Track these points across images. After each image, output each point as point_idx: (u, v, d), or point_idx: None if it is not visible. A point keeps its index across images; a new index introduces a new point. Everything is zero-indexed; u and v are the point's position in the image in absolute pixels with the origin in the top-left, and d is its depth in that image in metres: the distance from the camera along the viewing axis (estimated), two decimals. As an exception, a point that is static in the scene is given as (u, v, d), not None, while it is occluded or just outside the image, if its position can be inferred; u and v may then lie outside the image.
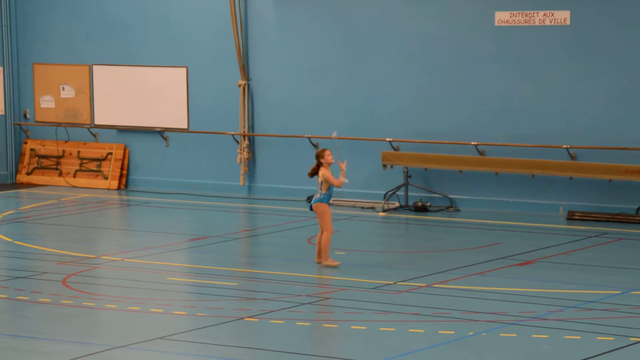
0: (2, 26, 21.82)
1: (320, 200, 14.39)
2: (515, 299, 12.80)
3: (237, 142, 20.42)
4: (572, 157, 18.09)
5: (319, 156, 14.49)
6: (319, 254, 14.51)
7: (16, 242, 16.32)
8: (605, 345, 10.93)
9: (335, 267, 14.36)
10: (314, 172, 14.46)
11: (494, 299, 12.81)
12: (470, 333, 11.39)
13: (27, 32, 21.93)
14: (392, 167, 19.07)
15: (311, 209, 14.52)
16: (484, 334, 11.38)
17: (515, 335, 11.35)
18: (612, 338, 11.14)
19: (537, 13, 18.20)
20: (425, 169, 19.02)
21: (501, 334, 11.37)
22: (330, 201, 14.61)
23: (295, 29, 19.90)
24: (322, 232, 14.48)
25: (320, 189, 14.38)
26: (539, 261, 14.85)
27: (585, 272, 14.33)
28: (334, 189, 14.64)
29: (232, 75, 20.30)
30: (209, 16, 20.45)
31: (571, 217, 17.92)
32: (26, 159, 22.12)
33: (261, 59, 20.17)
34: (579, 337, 11.22)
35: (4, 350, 11.01)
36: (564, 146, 18.10)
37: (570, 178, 18.04)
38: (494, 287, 13.32)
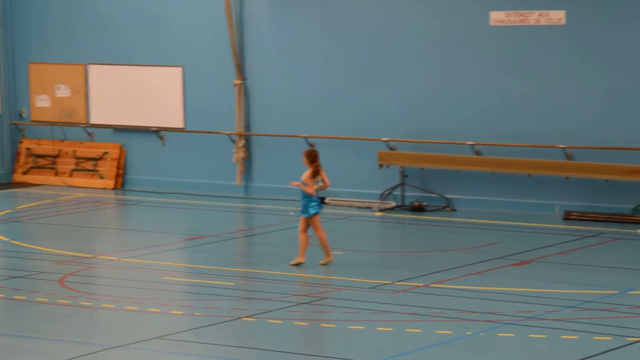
0: (-3, 25, 21.81)
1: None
2: (512, 299, 12.80)
3: (233, 142, 20.41)
4: (569, 157, 18.10)
5: (316, 158, 14.54)
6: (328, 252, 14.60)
7: (13, 241, 16.30)
8: (602, 345, 10.94)
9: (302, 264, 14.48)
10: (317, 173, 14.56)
11: (491, 299, 12.81)
12: (468, 333, 11.40)
13: (23, 32, 21.89)
14: (388, 166, 19.07)
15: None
16: (481, 333, 11.38)
17: (512, 335, 11.36)
18: (610, 338, 11.15)
19: (532, 13, 18.22)
20: (422, 169, 19.03)
21: (498, 334, 11.38)
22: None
23: (291, 28, 19.89)
24: (319, 230, 14.50)
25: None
26: (536, 261, 14.86)
27: (582, 272, 14.34)
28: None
29: (228, 74, 20.29)
30: (205, 15, 20.43)
31: (568, 217, 17.93)
32: (22, 158, 22.08)
33: (257, 58, 20.16)
34: (577, 337, 11.23)
35: (1, 350, 10.99)
36: (561, 146, 18.12)
37: (567, 178, 18.06)
38: (491, 286, 13.33)
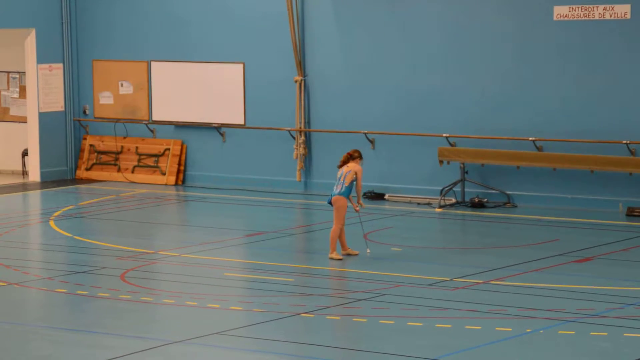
0: (62, 23, 22.07)
1: (341, 194, 14.65)
2: (573, 296, 12.68)
3: (294, 138, 20.46)
4: (632, 153, 17.86)
5: (357, 155, 14.60)
6: (344, 246, 14.74)
7: (75, 237, 16.51)
8: (665, 343, 10.79)
9: (338, 260, 14.48)
10: (344, 164, 14.59)
11: (552, 296, 12.70)
12: (528, 330, 11.31)
13: (87, 29, 22.15)
14: (448, 162, 18.98)
15: (330, 202, 14.67)
16: (541, 331, 11.29)
17: (573, 332, 11.25)
18: (673, 336, 11.00)
19: (597, 7, 17.99)
20: (482, 165, 18.91)
21: (559, 331, 11.28)
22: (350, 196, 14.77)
23: (352, 25, 19.88)
24: (336, 225, 14.63)
25: (344, 181, 14.49)
26: (598, 258, 14.70)
27: (645, 269, 14.16)
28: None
29: (288, 71, 20.34)
30: (266, 12, 20.50)
31: (631, 213, 17.70)
32: (85, 154, 22.35)
33: (318, 55, 20.18)
34: (639, 335, 11.08)
35: (63, 344, 11.15)
36: (624, 142, 17.89)
37: (630, 174, 17.82)
38: (552, 284, 13.21)
